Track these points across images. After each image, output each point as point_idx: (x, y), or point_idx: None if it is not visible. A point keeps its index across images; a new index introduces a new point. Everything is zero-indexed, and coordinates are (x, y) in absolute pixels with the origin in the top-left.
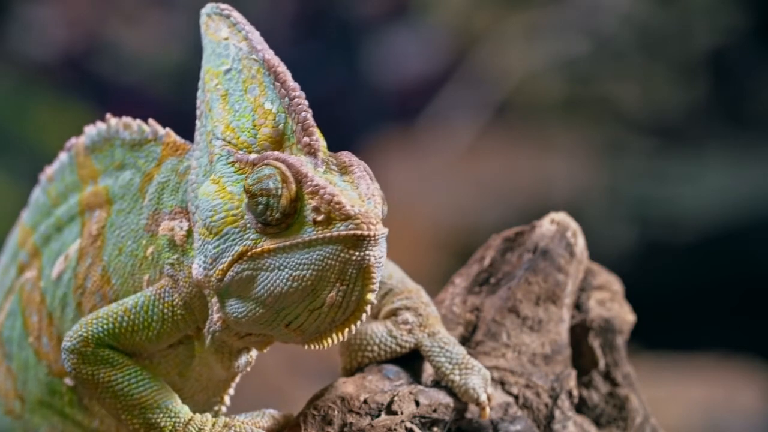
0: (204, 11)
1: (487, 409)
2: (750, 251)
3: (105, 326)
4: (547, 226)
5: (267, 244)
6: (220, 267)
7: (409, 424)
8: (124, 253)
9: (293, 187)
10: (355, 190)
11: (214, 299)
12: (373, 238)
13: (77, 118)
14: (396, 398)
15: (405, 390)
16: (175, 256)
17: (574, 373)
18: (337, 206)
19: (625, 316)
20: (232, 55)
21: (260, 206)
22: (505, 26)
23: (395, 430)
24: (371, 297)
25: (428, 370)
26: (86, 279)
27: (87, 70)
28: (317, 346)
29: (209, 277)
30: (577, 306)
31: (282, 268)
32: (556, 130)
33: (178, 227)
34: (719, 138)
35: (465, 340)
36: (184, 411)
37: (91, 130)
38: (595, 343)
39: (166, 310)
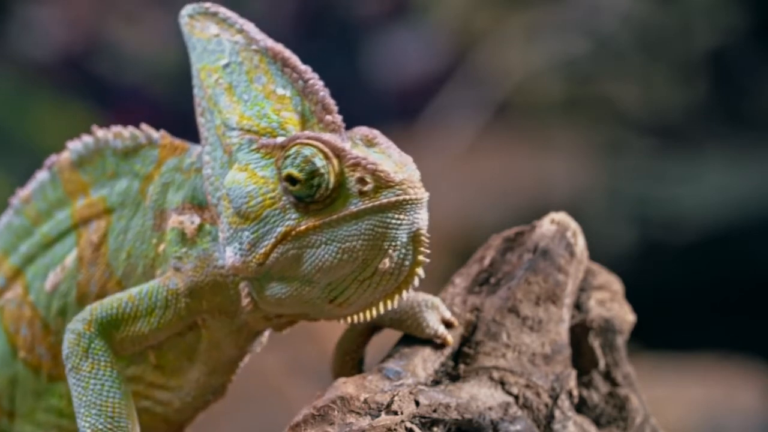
0: (185, 12)
1: (449, 337)
2: (750, 251)
3: (108, 311)
4: (547, 226)
5: (311, 222)
6: (261, 251)
7: (409, 424)
8: (133, 255)
9: (335, 162)
10: (389, 159)
11: (242, 284)
12: (419, 201)
13: (77, 118)
14: (396, 398)
15: (405, 390)
16: (183, 249)
17: (574, 373)
18: (382, 174)
19: (625, 316)
20: (227, 50)
21: (312, 187)
22: (505, 26)
23: (395, 430)
24: (423, 259)
25: (428, 370)
26: (90, 284)
27: (87, 70)
28: (358, 319)
29: (248, 263)
30: (577, 306)
31: (329, 242)
32: (556, 130)
33: (189, 221)
34: (719, 138)
35: (465, 340)
36: None
37: (76, 145)
38: (595, 343)
39: (170, 297)
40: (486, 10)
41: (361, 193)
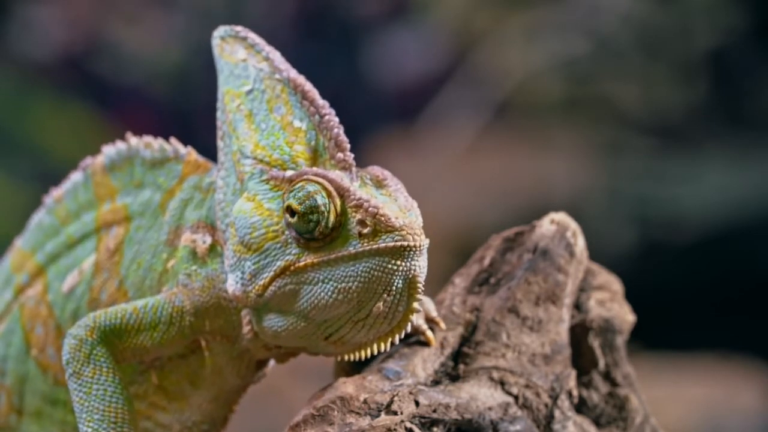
0: (217, 34)
1: (428, 333)
2: (750, 251)
3: (112, 321)
4: (547, 226)
5: (310, 258)
6: (260, 282)
7: (409, 424)
8: (142, 267)
9: (337, 201)
10: (394, 202)
11: (244, 311)
12: (418, 249)
13: (77, 118)
14: (396, 398)
15: (405, 390)
16: (194, 267)
17: (574, 373)
18: (383, 219)
19: (625, 316)
20: (252, 76)
21: (310, 223)
22: (505, 26)
23: (395, 430)
24: (417, 306)
25: (428, 370)
26: (101, 292)
27: (87, 70)
28: (354, 357)
29: (248, 293)
30: (577, 306)
31: (327, 281)
32: (556, 130)
33: (201, 240)
34: (719, 138)
35: (465, 340)
36: None
37: (110, 150)
38: (595, 343)
39: (174, 314)
40: (486, 10)
41: (361, 235)
